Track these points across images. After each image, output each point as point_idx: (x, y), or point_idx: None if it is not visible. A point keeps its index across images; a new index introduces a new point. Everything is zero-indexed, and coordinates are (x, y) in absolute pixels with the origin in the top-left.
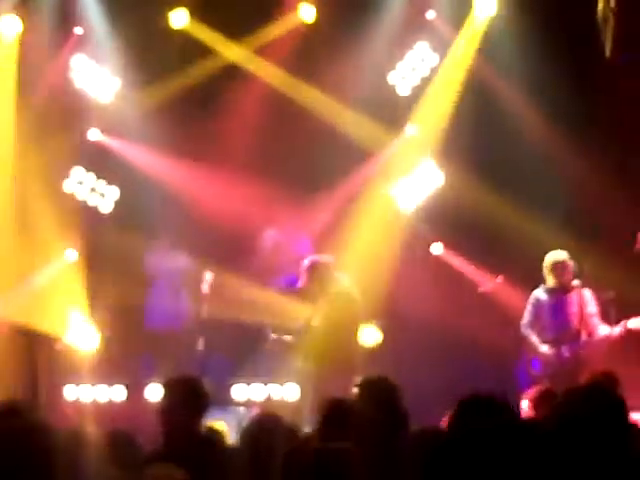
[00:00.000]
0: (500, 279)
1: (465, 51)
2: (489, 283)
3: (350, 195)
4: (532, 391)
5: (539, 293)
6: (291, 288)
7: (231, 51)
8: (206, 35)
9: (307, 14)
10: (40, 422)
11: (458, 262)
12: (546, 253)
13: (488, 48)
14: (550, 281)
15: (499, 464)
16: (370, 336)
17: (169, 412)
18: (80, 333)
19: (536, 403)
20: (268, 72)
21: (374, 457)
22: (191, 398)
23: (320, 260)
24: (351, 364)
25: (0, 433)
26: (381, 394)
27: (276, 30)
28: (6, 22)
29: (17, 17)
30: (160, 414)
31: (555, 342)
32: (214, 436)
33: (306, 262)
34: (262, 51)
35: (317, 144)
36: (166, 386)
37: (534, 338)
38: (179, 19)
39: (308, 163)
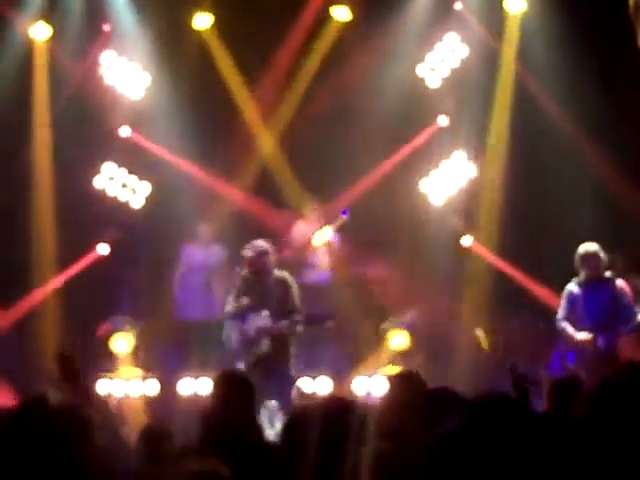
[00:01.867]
0: None
1: (498, 46)
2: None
3: (379, 186)
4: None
5: (572, 287)
6: (321, 282)
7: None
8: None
9: (341, 14)
10: (79, 415)
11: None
12: (577, 246)
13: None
14: (582, 274)
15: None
16: (400, 341)
17: (218, 406)
18: (115, 328)
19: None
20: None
21: (405, 453)
22: (240, 392)
23: None
24: None
25: (33, 427)
26: (412, 389)
27: (306, 25)
28: (36, 28)
29: (46, 22)
30: (208, 408)
31: (590, 334)
32: (253, 430)
33: None
34: (293, 45)
35: (346, 136)
36: (216, 380)
37: (570, 330)
38: (202, 21)
39: (339, 155)
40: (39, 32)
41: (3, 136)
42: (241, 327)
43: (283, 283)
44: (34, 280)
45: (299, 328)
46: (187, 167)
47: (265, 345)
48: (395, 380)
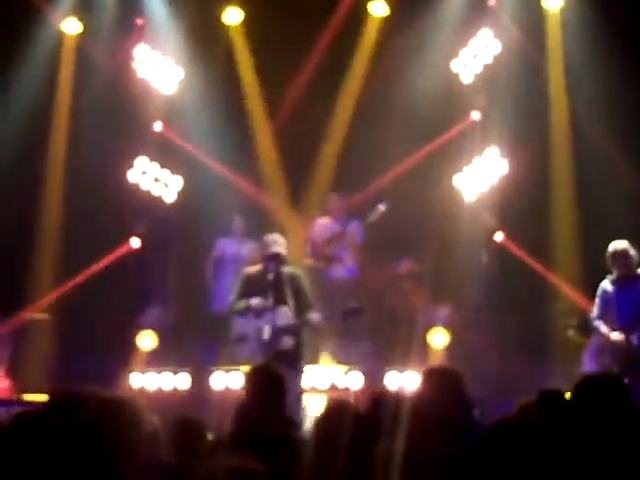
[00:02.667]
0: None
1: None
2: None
3: (411, 181)
4: None
5: (605, 284)
6: (348, 277)
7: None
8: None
9: (378, 9)
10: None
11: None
12: (608, 244)
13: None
14: (614, 271)
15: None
16: (439, 339)
17: (251, 400)
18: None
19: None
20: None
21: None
22: (273, 386)
23: None
24: None
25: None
26: (447, 382)
27: (340, 21)
28: (68, 22)
29: (79, 15)
30: (241, 402)
31: (623, 331)
32: (286, 424)
33: None
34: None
35: (379, 130)
36: (249, 374)
37: (604, 328)
38: (232, 17)
39: (373, 148)
40: (70, 26)
41: (33, 129)
42: (260, 324)
43: (297, 279)
44: (64, 273)
45: (322, 323)
46: (216, 165)
47: (286, 341)
48: (429, 375)
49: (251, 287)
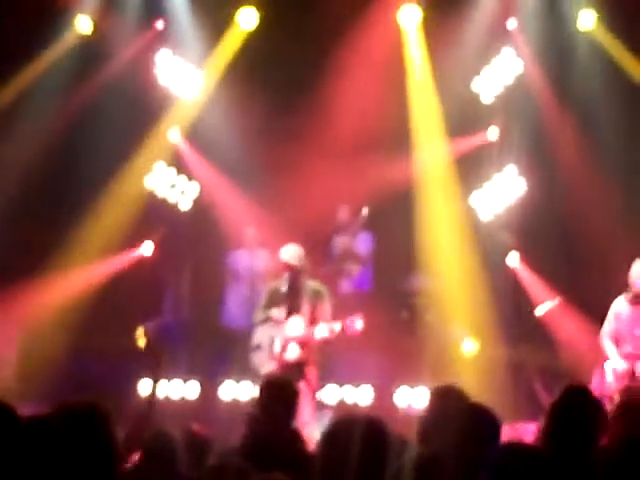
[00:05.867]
0: (558, 300)
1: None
2: (547, 305)
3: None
4: None
5: (620, 302)
6: (361, 290)
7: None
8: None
9: (408, 19)
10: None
11: (529, 277)
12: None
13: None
14: (633, 289)
15: None
16: (468, 347)
17: (264, 412)
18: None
19: None
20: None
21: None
22: (287, 399)
23: None
24: None
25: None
26: (452, 403)
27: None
28: (81, 21)
29: (97, 15)
30: (254, 414)
31: (631, 357)
32: (298, 439)
33: None
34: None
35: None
36: (263, 386)
37: (611, 350)
38: (248, 20)
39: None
40: (87, 26)
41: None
42: (274, 335)
43: (319, 295)
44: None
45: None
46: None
47: (295, 352)
48: (433, 394)
49: (271, 300)
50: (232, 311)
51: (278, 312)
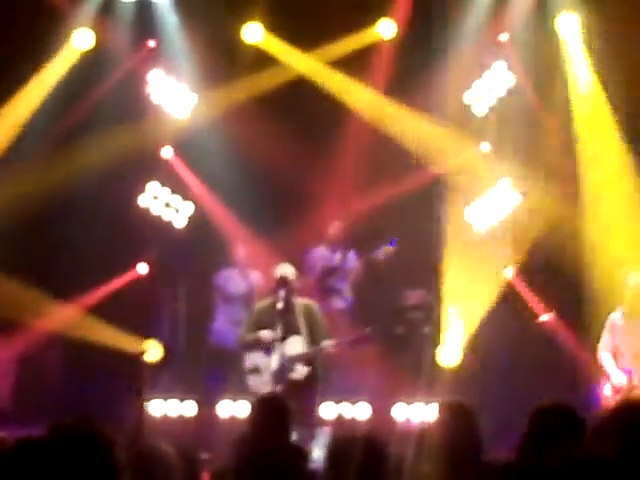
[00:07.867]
0: (551, 315)
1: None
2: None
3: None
4: None
5: (615, 316)
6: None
7: (304, 64)
8: (279, 48)
9: (387, 30)
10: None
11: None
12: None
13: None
14: (628, 305)
15: None
16: (451, 356)
17: (257, 429)
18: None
19: None
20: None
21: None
22: (280, 416)
23: None
24: None
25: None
26: (461, 419)
27: (353, 45)
28: (81, 36)
29: (92, 31)
30: (247, 431)
31: (629, 371)
32: (298, 455)
33: None
34: (337, 65)
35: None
36: (255, 404)
37: (608, 365)
38: (254, 34)
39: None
40: (82, 40)
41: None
42: (270, 355)
43: (312, 310)
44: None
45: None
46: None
47: (298, 371)
48: (443, 410)
49: (261, 320)
50: (221, 330)
51: (268, 333)
